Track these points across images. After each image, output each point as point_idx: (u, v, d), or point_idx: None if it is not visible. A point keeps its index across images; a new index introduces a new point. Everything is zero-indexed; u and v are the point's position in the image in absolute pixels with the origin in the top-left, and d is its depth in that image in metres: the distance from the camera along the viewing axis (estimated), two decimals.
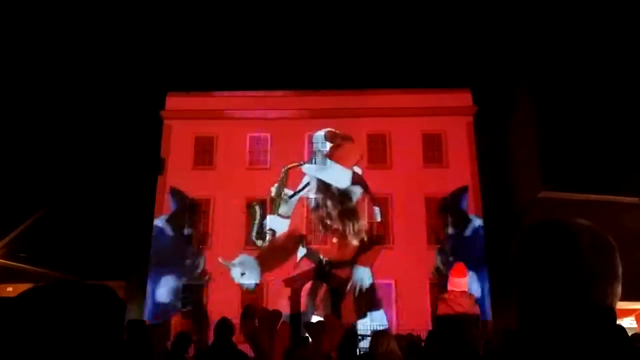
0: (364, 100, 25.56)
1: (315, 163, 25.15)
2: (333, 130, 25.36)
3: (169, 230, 24.44)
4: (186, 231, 24.42)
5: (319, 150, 25.30)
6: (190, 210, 24.58)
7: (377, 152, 25.34)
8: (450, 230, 24.01)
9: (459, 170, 24.58)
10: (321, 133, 25.34)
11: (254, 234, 24.27)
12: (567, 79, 22.98)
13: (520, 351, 1.14)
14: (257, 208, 24.47)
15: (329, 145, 25.26)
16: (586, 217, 1.27)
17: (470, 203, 24.28)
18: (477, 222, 23.85)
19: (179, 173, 24.90)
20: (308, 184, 24.73)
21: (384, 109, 25.33)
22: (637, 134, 21.78)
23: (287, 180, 24.70)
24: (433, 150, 25.22)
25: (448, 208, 24.19)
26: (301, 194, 24.70)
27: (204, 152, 25.47)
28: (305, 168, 24.97)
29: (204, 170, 25.06)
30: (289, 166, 24.73)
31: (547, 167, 22.59)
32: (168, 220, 24.47)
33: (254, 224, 24.39)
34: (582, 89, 22.57)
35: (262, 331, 4.49)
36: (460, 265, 2.87)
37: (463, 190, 24.29)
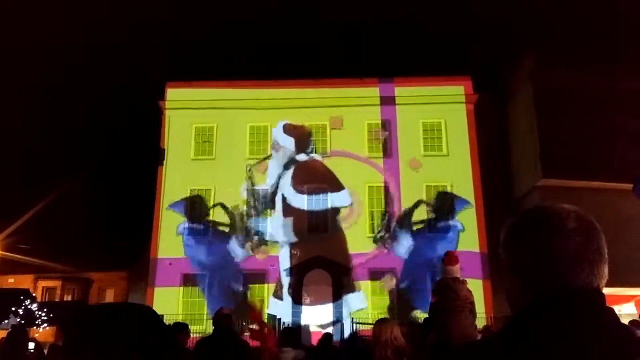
0: (364, 89, 25.51)
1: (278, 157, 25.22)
2: (290, 122, 25.46)
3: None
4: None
5: (279, 145, 25.29)
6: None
7: (378, 141, 25.32)
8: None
9: (460, 159, 24.59)
10: (280, 126, 25.42)
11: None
12: (567, 67, 22.89)
13: (511, 335, 1.16)
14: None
15: (289, 139, 25.30)
16: (585, 204, 1.29)
17: (470, 191, 24.37)
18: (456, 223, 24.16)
19: (179, 163, 24.88)
20: (279, 178, 24.81)
21: (384, 98, 25.32)
22: (635, 121, 21.75)
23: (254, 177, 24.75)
24: (433, 138, 25.22)
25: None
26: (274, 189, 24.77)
27: (204, 143, 25.44)
28: (272, 166, 25.02)
29: (204, 161, 25.04)
30: (252, 164, 24.73)
31: (547, 154, 22.58)
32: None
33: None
34: (581, 77, 22.49)
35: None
36: (452, 254, 2.89)
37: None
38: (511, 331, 1.18)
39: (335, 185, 24.65)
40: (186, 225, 24.33)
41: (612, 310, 1.16)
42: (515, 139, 25.93)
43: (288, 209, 24.46)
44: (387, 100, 25.34)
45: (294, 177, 24.81)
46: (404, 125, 25.09)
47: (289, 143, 25.27)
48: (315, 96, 25.33)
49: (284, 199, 24.59)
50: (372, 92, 25.54)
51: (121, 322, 1.27)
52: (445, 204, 24.24)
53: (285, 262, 23.77)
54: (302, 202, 24.50)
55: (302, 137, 25.40)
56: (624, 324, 1.15)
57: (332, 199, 24.52)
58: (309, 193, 24.60)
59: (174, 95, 26.01)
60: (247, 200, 24.50)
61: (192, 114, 25.38)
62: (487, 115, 25.41)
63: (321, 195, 24.57)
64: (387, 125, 25.38)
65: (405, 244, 23.76)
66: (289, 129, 25.37)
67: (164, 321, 1.38)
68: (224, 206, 24.45)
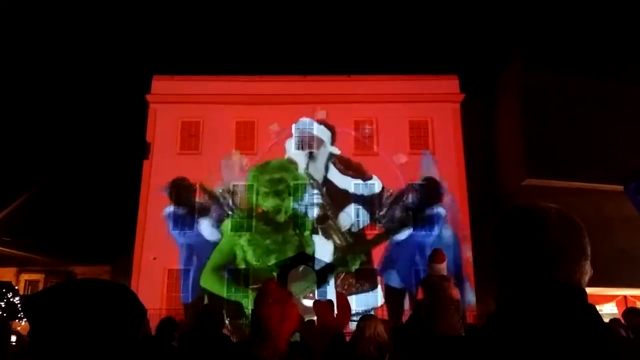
0: (351, 87, 25.49)
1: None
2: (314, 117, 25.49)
3: None
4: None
5: (320, 139, 25.33)
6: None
7: (364, 138, 25.35)
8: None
9: (445, 157, 24.71)
10: (313, 122, 25.40)
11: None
12: (553, 67, 23.06)
13: (493, 330, 1.18)
14: None
15: (327, 133, 25.32)
16: (569, 204, 1.30)
17: (455, 190, 24.49)
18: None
19: (165, 157, 24.72)
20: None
21: (371, 95, 25.29)
22: (620, 123, 21.97)
23: None
24: (420, 137, 25.29)
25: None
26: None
27: (190, 137, 25.30)
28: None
29: (190, 155, 24.91)
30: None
31: (532, 155, 22.75)
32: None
33: None
34: (567, 78, 22.68)
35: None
36: (438, 251, 2.93)
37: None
38: (493, 326, 1.19)
39: (366, 174, 24.99)
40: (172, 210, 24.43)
41: (593, 306, 1.18)
42: (501, 139, 26.09)
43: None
44: (374, 98, 25.33)
45: (340, 169, 25.02)
46: (389, 123, 25.13)
47: (327, 137, 25.45)
48: (301, 92, 25.30)
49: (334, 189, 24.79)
50: (358, 89, 25.52)
51: (93, 307, 1.17)
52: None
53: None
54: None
55: (333, 130, 25.60)
56: (604, 322, 1.17)
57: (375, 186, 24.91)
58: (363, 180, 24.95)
59: (161, 88, 25.83)
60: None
61: (178, 107, 25.22)
62: (474, 115, 25.53)
63: (368, 182, 24.93)
64: (373, 122, 25.43)
65: None
66: (324, 123, 25.46)
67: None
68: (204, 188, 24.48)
